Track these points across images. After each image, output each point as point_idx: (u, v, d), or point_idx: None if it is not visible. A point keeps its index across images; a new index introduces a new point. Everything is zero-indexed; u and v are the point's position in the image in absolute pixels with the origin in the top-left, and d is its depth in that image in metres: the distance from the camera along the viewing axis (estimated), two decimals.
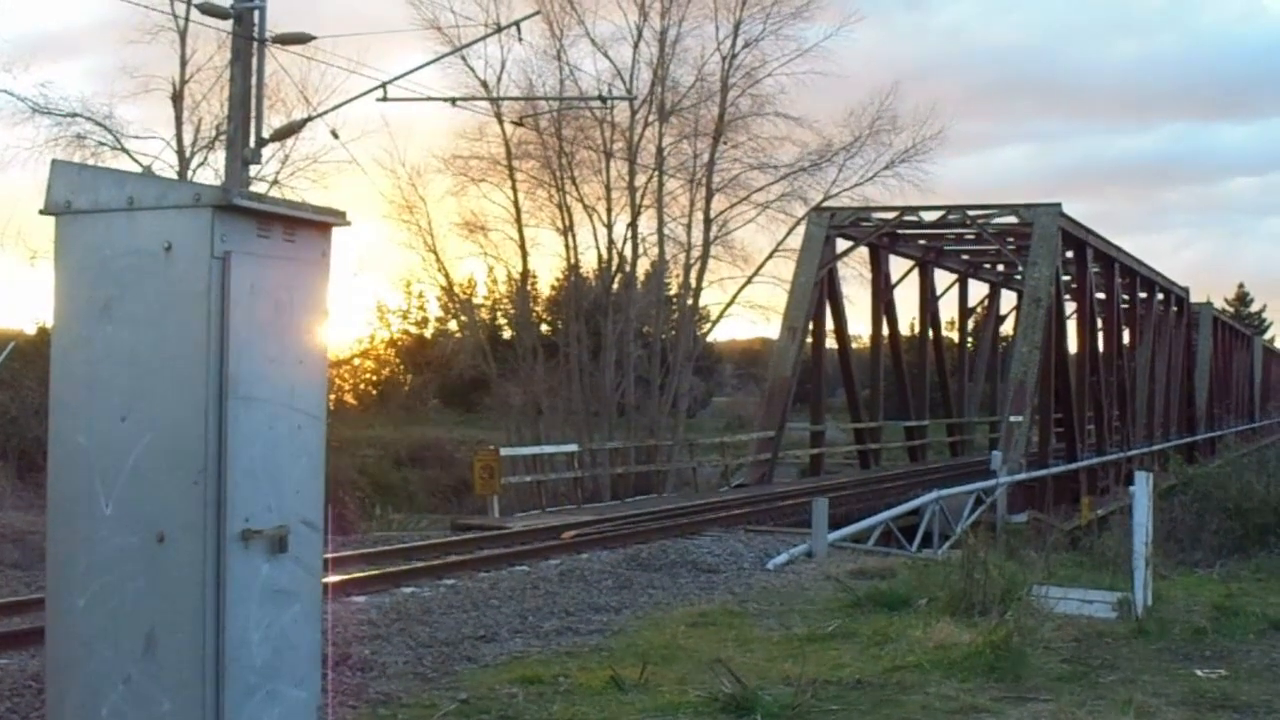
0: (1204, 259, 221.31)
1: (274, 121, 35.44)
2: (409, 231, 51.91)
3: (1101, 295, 43.13)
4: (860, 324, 55.97)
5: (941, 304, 52.40)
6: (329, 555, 7.91)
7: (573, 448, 36.01)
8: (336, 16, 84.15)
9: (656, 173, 58.54)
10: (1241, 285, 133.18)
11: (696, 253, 54.81)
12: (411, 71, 32.59)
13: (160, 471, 6.52)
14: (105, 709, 6.60)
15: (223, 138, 37.10)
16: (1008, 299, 53.40)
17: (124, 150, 42.16)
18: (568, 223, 53.81)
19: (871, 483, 33.55)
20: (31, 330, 41.54)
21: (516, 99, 54.18)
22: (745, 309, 56.39)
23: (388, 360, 75.47)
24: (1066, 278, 40.56)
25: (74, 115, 41.80)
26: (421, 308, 75.20)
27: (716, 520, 24.05)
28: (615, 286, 53.69)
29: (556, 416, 50.98)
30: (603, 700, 10.49)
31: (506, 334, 63.23)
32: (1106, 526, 33.73)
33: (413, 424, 62.53)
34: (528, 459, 35.74)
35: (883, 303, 45.94)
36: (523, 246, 53.02)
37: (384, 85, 32.13)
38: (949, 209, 40.68)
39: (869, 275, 48.09)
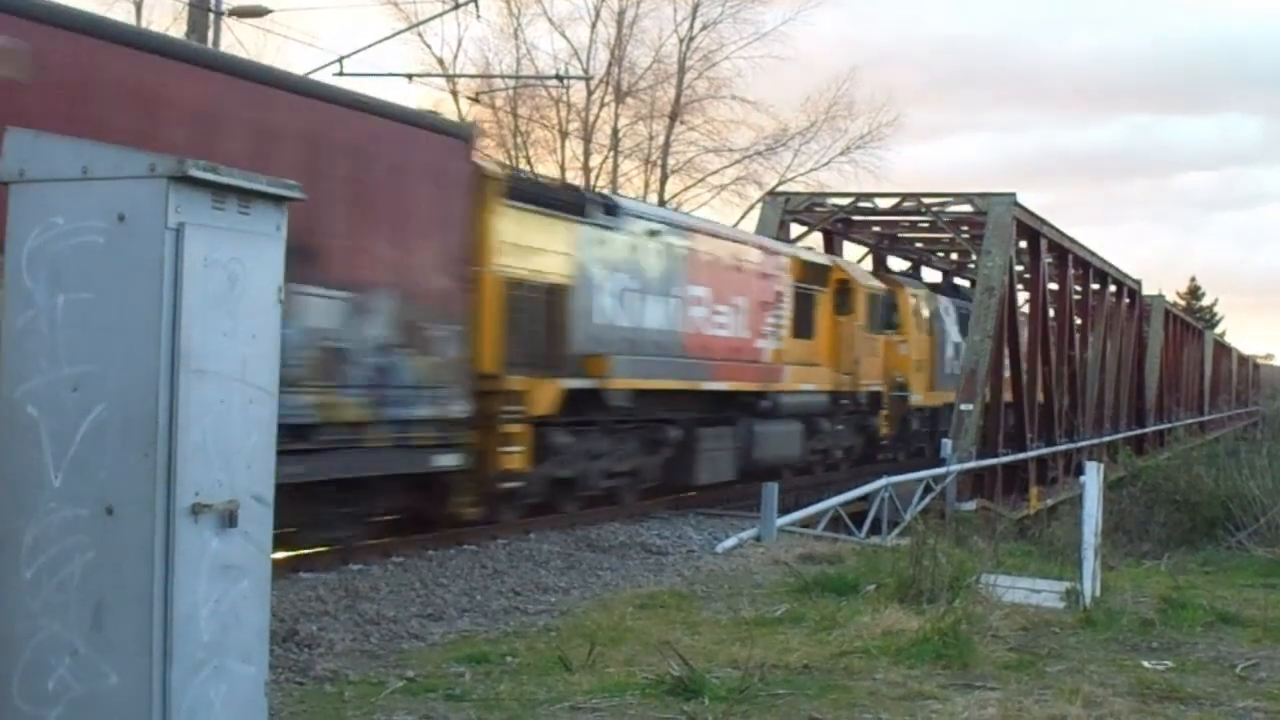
0: (1157, 252, 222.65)
1: None
2: None
3: (1054, 286, 43.25)
4: None
5: None
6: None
7: None
8: None
9: (612, 153, 58.59)
10: (1194, 279, 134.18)
11: None
12: (368, 47, 32.68)
13: (110, 443, 6.48)
14: (51, 682, 6.56)
15: None
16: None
17: None
18: None
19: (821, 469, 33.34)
20: None
21: (473, 76, 54.13)
22: None
23: None
24: (1020, 268, 40.67)
25: None
26: None
27: (667, 503, 23.94)
28: None
29: None
30: (550, 680, 10.48)
31: None
32: (1055, 516, 33.93)
33: None
34: None
35: None
36: None
37: (340, 60, 32.08)
38: (904, 196, 40.70)
39: None
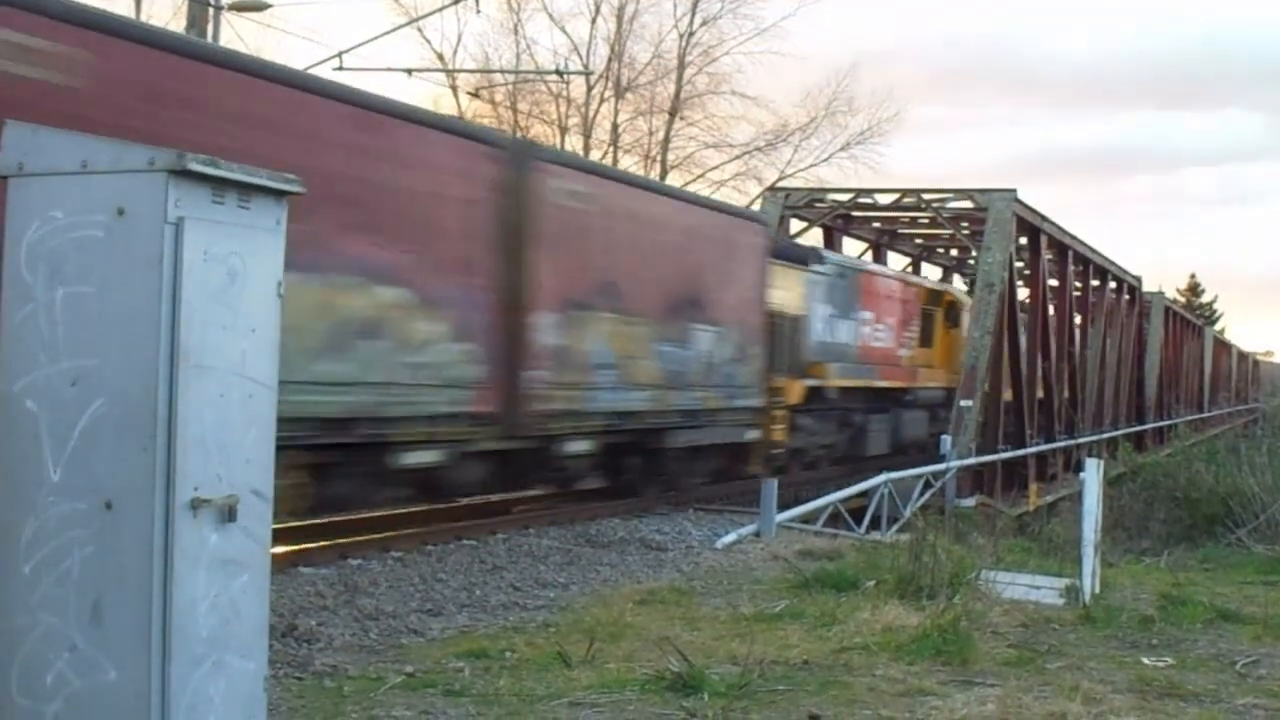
0: (1157, 249, 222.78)
1: None
2: None
3: (1054, 282, 43.23)
4: None
5: None
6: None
7: None
8: None
9: (611, 149, 58.51)
10: (1193, 276, 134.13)
11: None
12: (367, 42, 32.66)
13: (109, 438, 6.47)
14: (50, 677, 6.55)
15: None
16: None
17: None
18: None
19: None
20: None
21: (472, 71, 54.12)
22: None
23: None
24: (1020, 264, 40.65)
25: None
26: None
27: (667, 498, 23.99)
28: None
29: None
30: (549, 676, 10.48)
31: None
32: (1055, 513, 33.94)
33: None
34: None
35: None
36: None
37: (340, 55, 32.08)
38: (904, 192, 40.69)
39: None
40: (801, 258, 32.05)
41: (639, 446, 22.44)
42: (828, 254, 35.71)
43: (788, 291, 29.50)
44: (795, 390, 29.89)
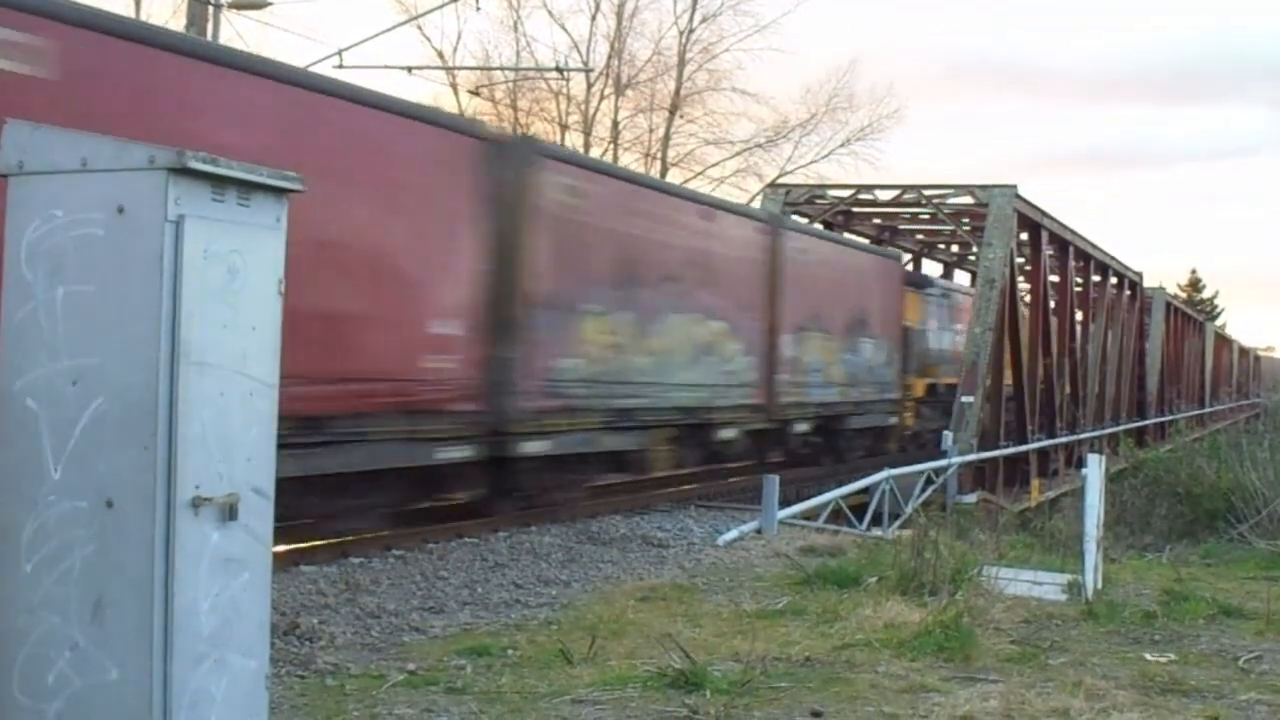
0: (1158, 244, 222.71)
1: None
2: None
3: (1055, 278, 43.22)
4: None
5: None
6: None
7: None
8: None
9: (612, 146, 58.48)
10: (1194, 271, 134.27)
11: None
12: (367, 39, 32.57)
13: (110, 436, 6.46)
14: (51, 676, 6.54)
15: None
16: (961, 280, 53.49)
17: None
18: None
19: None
20: None
21: (472, 69, 54.09)
22: None
23: None
24: (1021, 260, 40.65)
25: None
26: None
27: (667, 495, 24.05)
28: None
29: None
30: (551, 673, 10.47)
31: None
32: (1057, 509, 33.93)
33: None
34: None
35: None
36: None
37: (340, 53, 32.05)
38: (904, 188, 40.70)
39: None
40: (919, 283, 43.45)
41: (829, 428, 31.08)
42: (935, 279, 47.68)
43: (911, 310, 39.41)
44: (919, 386, 40.82)
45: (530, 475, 19.78)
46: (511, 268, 18.63)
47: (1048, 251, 40.87)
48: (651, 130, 60.67)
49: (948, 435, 31.70)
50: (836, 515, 23.23)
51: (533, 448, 19.29)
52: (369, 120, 16.08)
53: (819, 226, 38.14)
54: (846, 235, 40.34)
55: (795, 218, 37.22)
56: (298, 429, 14.02)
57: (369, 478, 16.36)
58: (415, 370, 16.77)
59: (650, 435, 22.76)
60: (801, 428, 29.21)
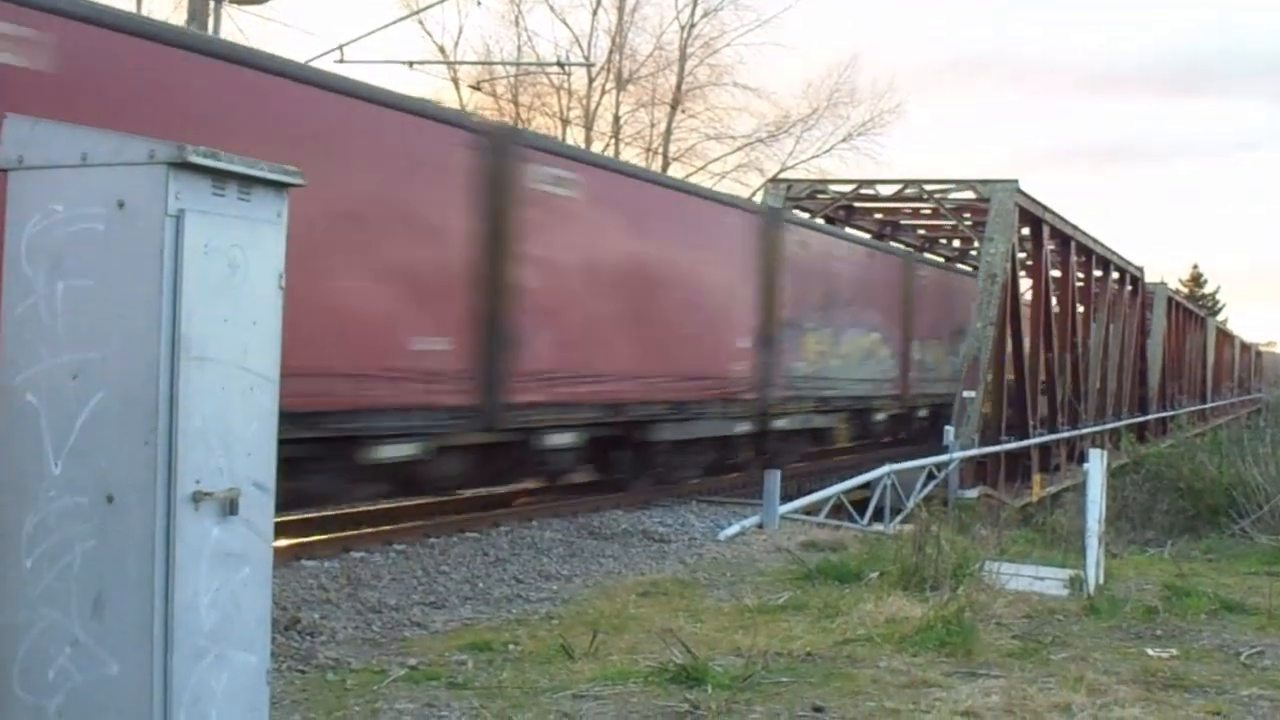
0: (1160, 240, 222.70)
1: None
2: None
3: (1057, 273, 43.19)
4: None
5: None
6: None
7: None
8: None
9: (613, 140, 58.48)
10: (1196, 267, 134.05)
11: None
12: (368, 34, 32.57)
13: (110, 431, 6.44)
14: (52, 671, 6.53)
15: None
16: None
17: None
18: None
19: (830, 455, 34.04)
20: None
21: (474, 64, 54.06)
22: None
23: None
24: (1022, 255, 40.61)
25: None
26: None
27: (668, 490, 24.07)
28: None
29: None
30: (552, 668, 10.47)
31: None
32: (1058, 504, 33.91)
33: None
34: None
35: None
36: None
37: (341, 48, 32.06)
38: (906, 183, 40.64)
39: None
40: None
41: (936, 413, 36.53)
42: None
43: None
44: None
45: (777, 443, 27.48)
46: (771, 300, 26.60)
47: (1049, 246, 40.83)
48: (653, 125, 60.70)
49: (949, 430, 31.67)
50: (838, 510, 23.22)
51: (781, 424, 27.45)
52: (704, 209, 24.61)
53: (939, 259, 46.11)
54: (959, 265, 46.82)
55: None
56: (672, 410, 22.53)
57: (696, 444, 23.99)
58: (727, 371, 24.65)
59: (838, 417, 31.27)
60: (923, 413, 37.58)
